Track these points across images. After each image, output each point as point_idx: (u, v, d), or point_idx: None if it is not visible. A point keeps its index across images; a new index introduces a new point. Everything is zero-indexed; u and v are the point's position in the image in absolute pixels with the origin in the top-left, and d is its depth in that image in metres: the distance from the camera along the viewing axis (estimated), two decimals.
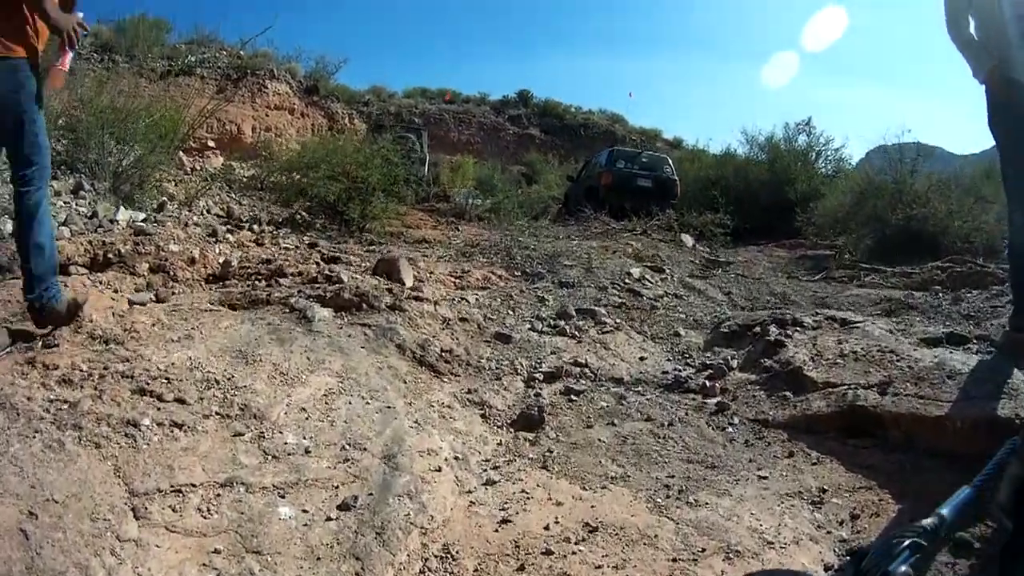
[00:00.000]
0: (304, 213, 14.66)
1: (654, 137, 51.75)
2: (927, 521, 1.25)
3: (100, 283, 6.89)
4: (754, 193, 21.77)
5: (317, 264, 9.02)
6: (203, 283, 8.00)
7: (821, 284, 11.35)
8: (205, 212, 13.50)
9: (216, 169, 19.38)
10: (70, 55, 5.27)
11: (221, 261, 8.49)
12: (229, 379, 4.67)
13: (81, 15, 5.32)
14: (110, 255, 7.51)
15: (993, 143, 5.58)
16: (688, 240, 14.43)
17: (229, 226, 11.98)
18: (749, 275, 11.89)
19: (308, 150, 16.30)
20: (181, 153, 17.51)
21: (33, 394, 4.07)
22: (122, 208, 9.56)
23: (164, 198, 12.55)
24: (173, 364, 4.67)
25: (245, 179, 18.55)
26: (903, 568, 1.12)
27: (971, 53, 5.48)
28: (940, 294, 8.99)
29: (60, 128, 12.00)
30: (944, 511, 1.30)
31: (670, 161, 22.04)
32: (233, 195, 16.41)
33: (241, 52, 26.99)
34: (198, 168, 18.61)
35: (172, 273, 7.76)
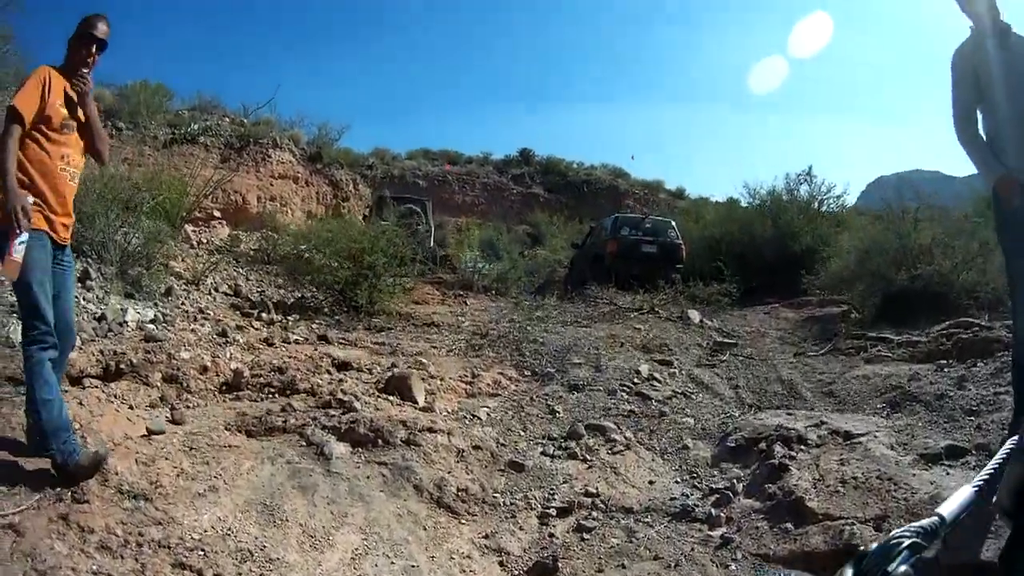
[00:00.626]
0: (313, 291, 15.03)
1: (656, 189, 52.92)
2: (926, 522, 1.32)
3: (114, 397, 7.02)
4: (758, 248, 21.64)
5: (329, 373, 9.16)
6: (216, 393, 8.16)
7: (829, 360, 11.30)
8: (213, 291, 13.74)
9: (222, 240, 19.70)
10: (19, 241, 4.93)
11: (233, 368, 8.63)
12: (262, 549, 4.88)
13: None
14: (122, 365, 7.66)
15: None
16: (695, 315, 14.43)
17: (238, 314, 12.39)
18: (757, 355, 11.89)
19: (313, 233, 16.47)
20: (187, 225, 17.63)
21: (76, 563, 4.27)
22: (131, 309, 9.66)
23: (171, 279, 12.67)
24: (206, 532, 4.89)
25: (252, 252, 18.70)
26: (903, 568, 1.18)
27: (979, 156, 5.38)
28: (946, 369, 8.86)
29: None
30: (944, 511, 1.37)
31: (674, 225, 22.05)
32: (240, 270, 16.66)
33: (244, 120, 27.41)
34: (204, 240, 18.77)
35: (185, 384, 7.92)
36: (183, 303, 11.70)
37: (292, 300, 14.56)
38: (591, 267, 21.40)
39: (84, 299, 9.46)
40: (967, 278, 13.20)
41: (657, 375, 10.16)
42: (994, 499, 1.52)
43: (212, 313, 11.68)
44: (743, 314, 16.38)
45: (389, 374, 9.19)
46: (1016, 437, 1.56)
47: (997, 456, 1.59)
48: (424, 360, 10.22)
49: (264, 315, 12.67)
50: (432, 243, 25.93)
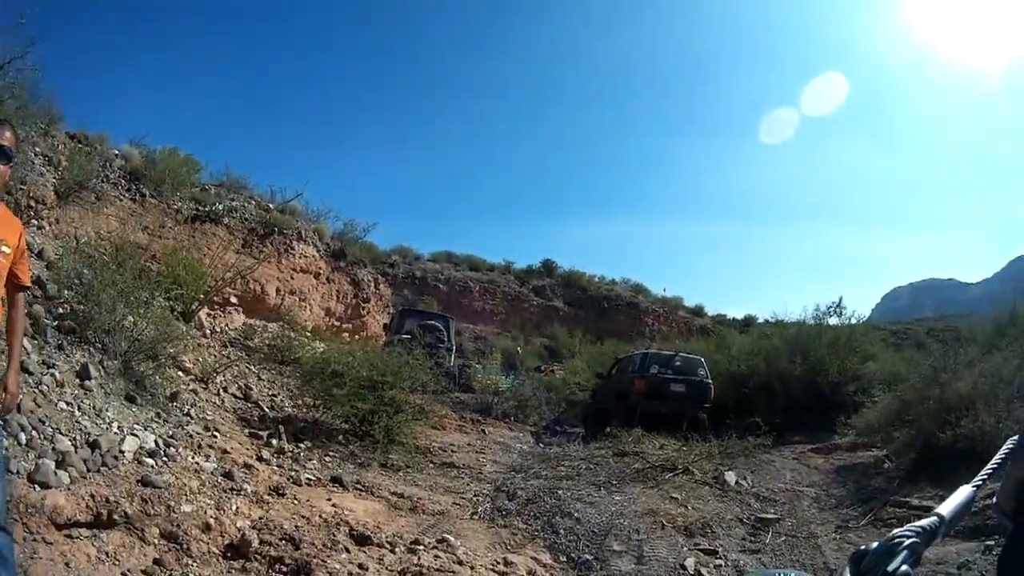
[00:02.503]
0: (327, 409, 14.09)
1: (675, 307, 52.99)
2: (926, 522, 1.34)
3: (106, 555, 6.34)
4: (786, 384, 20.83)
5: (347, 551, 8.03)
6: (220, 558, 7.25)
7: (871, 533, 10.58)
8: (222, 391, 13.24)
9: (236, 330, 18.98)
10: None
11: (239, 527, 7.77)
12: None
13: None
14: (115, 516, 6.80)
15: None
16: (731, 478, 13.35)
17: (247, 435, 11.72)
18: (798, 530, 10.91)
19: (333, 357, 15.11)
20: (202, 313, 16.94)
21: None
22: (128, 438, 8.58)
23: (180, 376, 12.19)
24: None
25: (266, 348, 17.94)
26: (903, 568, 1.21)
27: None
28: (995, 551, 8.23)
29: (70, 280, 11.21)
30: (943, 511, 1.39)
31: (704, 363, 20.99)
32: (252, 367, 16.08)
33: (270, 205, 26.42)
34: (218, 329, 17.96)
35: (186, 545, 7.06)
36: (188, 413, 10.92)
37: (303, 421, 13.96)
38: (616, 403, 20.50)
39: (80, 407, 8.51)
40: (1011, 433, 12.03)
41: (703, 570, 9.16)
42: (994, 500, 1.64)
43: (219, 436, 10.79)
44: (772, 460, 15.61)
45: (413, 558, 8.10)
46: (1015, 438, 1.64)
47: (997, 456, 1.62)
48: (450, 536, 9.09)
49: (274, 441, 11.87)
50: (452, 362, 25.01)
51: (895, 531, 1.30)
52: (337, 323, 29.17)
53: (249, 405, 13.66)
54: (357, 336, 26.92)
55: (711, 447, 15.31)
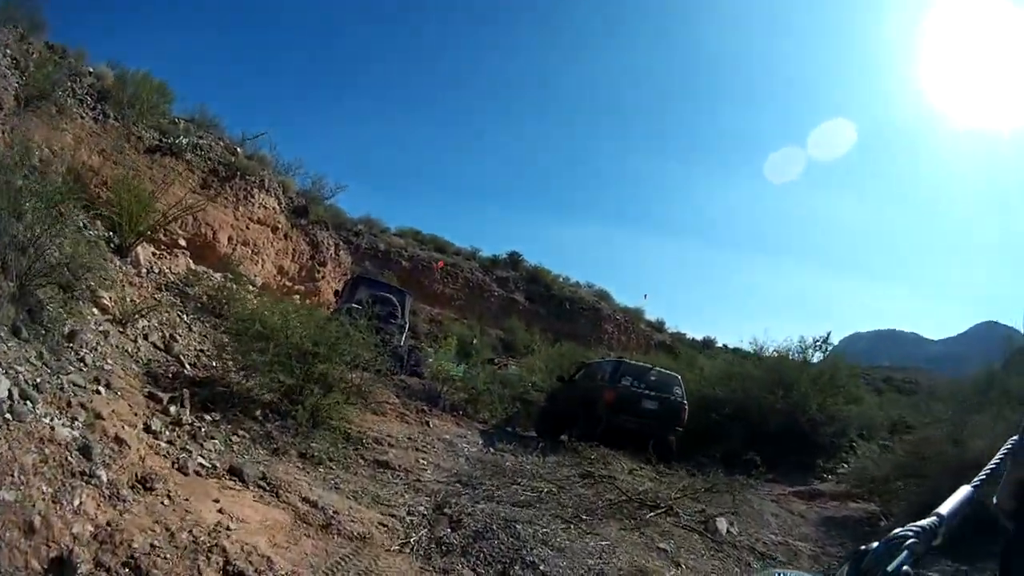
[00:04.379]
0: (253, 375, 11.90)
1: (637, 319, 50.96)
2: (926, 521, 1.33)
3: None
4: (764, 416, 18.80)
5: None
6: None
7: None
8: (140, 339, 11.71)
9: (178, 275, 16.82)
10: None
11: (74, 534, 5.49)
12: None
13: None
14: None
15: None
16: (722, 525, 10.76)
17: (144, 397, 9.60)
18: None
19: (269, 310, 12.99)
20: (141, 248, 15.47)
21: None
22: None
23: (93, 314, 10.75)
24: None
25: (205, 299, 15.95)
26: (903, 568, 1.21)
27: None
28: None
29: None
30: (943, 511, 1.39)
31: (680, 381, 18.46)
32: (185, 316, 14.43)
33: (238, 149, 24.20)
34: (156, 270, 15.83)
35: None
36: (83, 358, 9.11)
37: (222, 385, 11.81)
38: (580, 412, 17.89)
39: None
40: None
41: None
42: (994, 499, 1.60)
43: (103, 392, 8.60)
44: (750, 500, 13.24)
45: None
46: (1015, 438, 1.59)
47: (996, 456, 1.58)
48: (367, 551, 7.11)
49: (172, 408, 9.62)
50: (403, 342, 22.29)
51: (895, 531, 1.28)
52: (289, 283, 26.91)
53: (169, 358, 11.96)
54: (308, 300, 24.22)
55: (694, 482, 13.18)
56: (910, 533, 1.26)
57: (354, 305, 19.29)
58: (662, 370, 18.95)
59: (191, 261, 19.23)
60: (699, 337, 54.17)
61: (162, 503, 6.78)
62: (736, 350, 35.60)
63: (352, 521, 8.09)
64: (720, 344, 50.24)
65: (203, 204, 19.11)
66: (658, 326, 53.30)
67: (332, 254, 29.86)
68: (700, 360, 26.98)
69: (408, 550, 7.78)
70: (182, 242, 20.09)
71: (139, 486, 6.87)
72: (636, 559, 8.47)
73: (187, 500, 7.11)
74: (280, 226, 25.97)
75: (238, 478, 8.45)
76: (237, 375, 12.02)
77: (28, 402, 6.73)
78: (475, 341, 32.36)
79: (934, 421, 14.58)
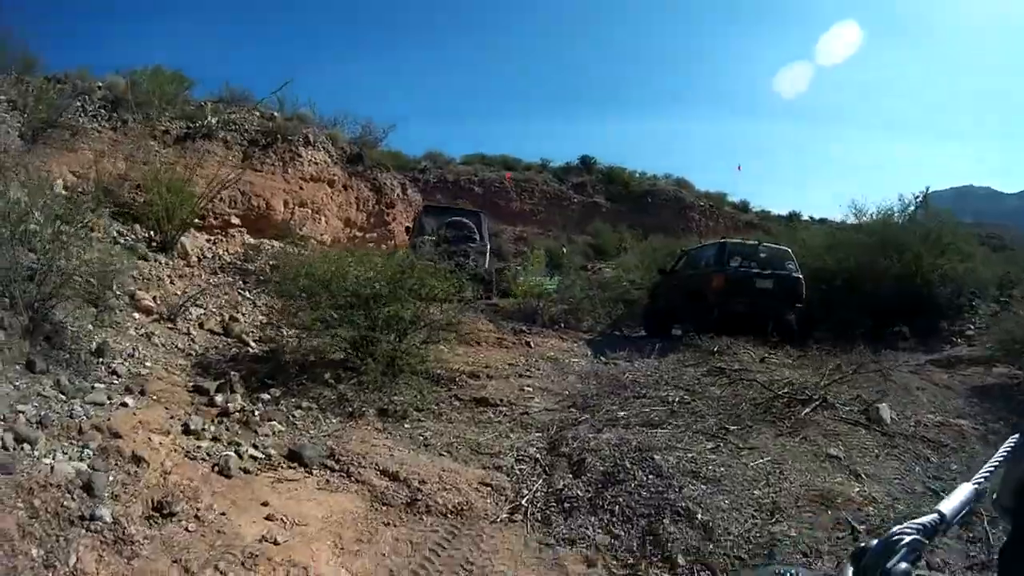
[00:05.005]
0: (311, 343, 10.51)
1: (720, 202, 49.13)
2: (926, 519, 1.26)
3: None
4: (878, 284, 17.48)
5: None
6: None
7: None
8: (195, 329, 10.85)
9: (234, 254, 15.87)
10: None
11: None
12: None
13: None
14: None
15: None
16: (886, 413, 8.99)
17: (187, 392, 8.51)
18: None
19: (321, 263, 11.60)
20: (186, 238, 14.38)
21: None
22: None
23: (128, 321, 9.79)
24: None
25: (267, 270, 14.65)
26: (903, 565, 1.16)
27: None
28: None
29: None
30: (943, 508, 1.32)
31: (792, 255, 16.64)
32: (248, 293, 13.41)
33: (275, 114, 22.35)
34: (211, 255, 14.93)
35: None
36: (113, 371, 8.18)
37: (286, 354, 10.46)
38: (687, 305, 16.23)
39: None
40: None
41: None
42: (994, 497, 1.49)
43: (132, 404, 7.52)
44: (890, 373, 11.76)
45: None
46: (1016, 436, 1.53)
47: (997, 454, 1.53)
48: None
49: (219, 398, 8.40)
50: (487, 265, 20.49)
51: (894, 528, 1.24)
52: (359, 233, 25.08)
53: (229, 341, 10.95)
54: (383, 245, 22.88)
55: (837, 363, 11.45)
56: (910, 530, 1.21)
57: (426, 237, 18.12)
58: (770, 245, 17.09)
59: (248, 237, 18.28)
60: (784, 213, 51.43)
61: (186, 529, 5.53)
62: (823, 220, 33.66)
63: (445, 489, 6.67)
64: (806, 217, 47.71)
65: (238, 174, 17.48)
66: (743, 207, 50.86)
67: (399, 195, 27.82)
68: (799, 233, 25.04)
69: (520, 516, 6.32)
70: (235, 220, 18.84)
71: (156, 514, 5.64)
72: (810, 478, 6.73)
73: (223, 515, 5.84)
74: (336, 179, 24.19)
75: (299, 463, 7.15)
76: (294, 340, 10.77)
77: (25, 445, 5.91)
78: (564, 250, 30.78)
79: None
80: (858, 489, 6.52)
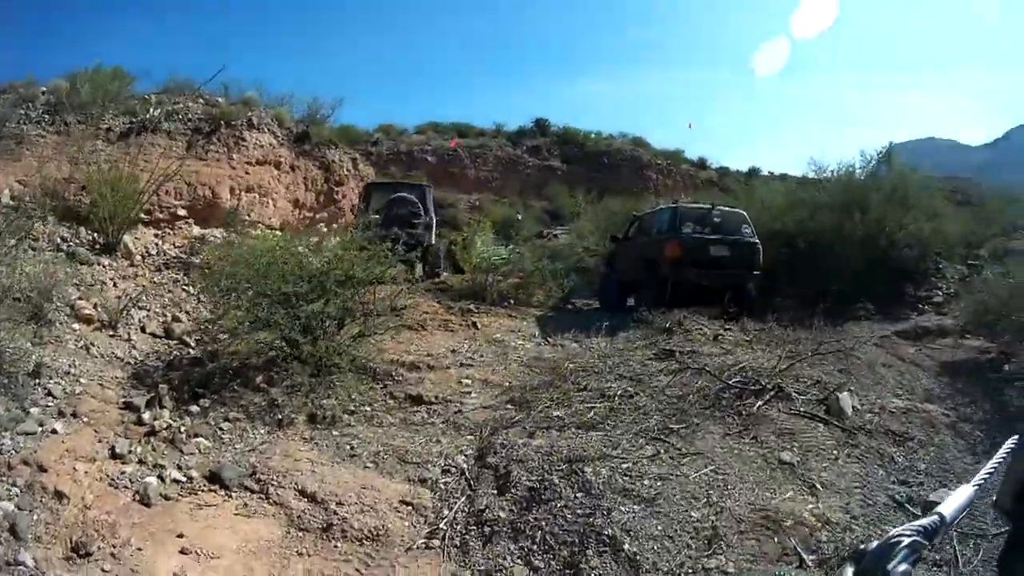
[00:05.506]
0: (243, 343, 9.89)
1: (678, 160, 48.20)
2: (926, 520, 1.26)
3: None
4: (843, 246, 16.42)
5: None
6: None
7: None
8: (135, 334, 10.35)
9: (181, 247, 15.67)
10: None
11: None
12: None
13: None
14: None
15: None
16: (847, 403, 8.25)
17: (119, 409, 8.04)
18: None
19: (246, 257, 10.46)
20: (128, 237, 13.92)
21: None
22: None
23: (68, 334, 9.34)
24: None
25: (210, 264, 13.30)
26: (902, 567, 1.15)
27: None
28: None
29: None
30: (943, 510, 1.31)
31: (748, 219, 15.67)
32: (192, 288, 12.80)
33: (219, 100, 21.65)
34: (155, 251, 14.76)
35: None
36: (49, 392, 7.82)
37: (223, 358, 9.82)
38: (640, 276, 15.53)
39: None
40: None
41: None
42: (994, 498, 1.52)
43: (62, 431, 7.18)
44: (853, 347, 11.03)
45: None
46: (1016, 437, 1.52)
47: (996, 456, 1.53)
48: None
49: (146, 416, 7.96)
50: (434, 239, 19.93)
51: (894, 530, 1.23)
52: (309, 214, 24.53)
53: (170, 344, 10.52)
54: (334, 224, 22.48)
55: (798, 340, 10.90)
56: (909, 532, 1.19)
57: (372, 217, 16.99)
58: (725, 208, 16.15)
59: (197, 228, 17.81)
60: (744, 168, 50.67)
61: (103, 570, 5.31)
62: (784, 176, 33.05)
63: (363, 511, 6.15)
64: (766, 173, 46.80)
65: (178, 165, 16.87)
66: (701, 164, 50.03)
67: (349, 171, 27.06)
68: (758, 191, 23.75)
69: (438, 542, 5.76)
70: (182, 212, 18.25)
71: (74, 555, 5.46)
72: (757, 492, 6.04)
73: (139, 550, 5.56)
74: (283, 160, 23.38)
75: (220, 485, 6.70)
76: (226, 342, 10.07)
77: None
78: (519, 217, 30.02)
79: None
80: (811, 506, 5.84)
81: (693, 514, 5.53)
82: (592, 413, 7.86)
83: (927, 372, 10.67)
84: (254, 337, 9.40)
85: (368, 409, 8.65)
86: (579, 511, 5.61)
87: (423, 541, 5.75)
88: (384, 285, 11.20)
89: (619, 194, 33.07)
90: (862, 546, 1.18)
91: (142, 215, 15.03)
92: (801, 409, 7.97)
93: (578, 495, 5.84)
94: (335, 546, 5.75)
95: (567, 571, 5.07)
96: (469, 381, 9.71)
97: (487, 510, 5.92)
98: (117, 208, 13.20)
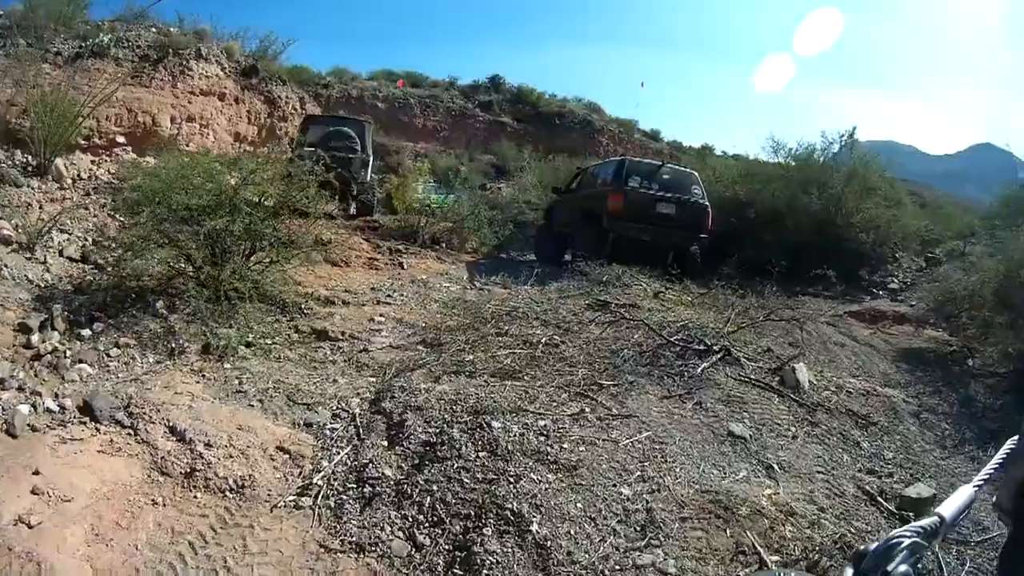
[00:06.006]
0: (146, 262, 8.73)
1: (630, 129, 46.45)
2: (926, 521, 1.22)
3: None
4: (797, 221, 15.84)
5: None
6: None
7: None
8: (52, 257, 9.32)
9: (113, 174, 14.58)
10: None
11: None
12: None
13: None
14: None
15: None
16: (803, 376, 7.19)
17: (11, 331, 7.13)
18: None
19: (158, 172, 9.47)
20: (61, 160, 13.05)
21: None
22: None
23: None
24: None
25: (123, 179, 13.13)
26: (902, 568, 1.11)
27: None
28: None
29: None
30: (943, 511, 1.27)
31: (699, 180, 14.73)
32: (118, 215, 11.64)
33: (171, 30, 20.76)
34: (87, 176, 13.88)
35: None
36: None
37: (125, 283, 8.61)
38: (580, 228, 14.48)
39: None
40: None
41: None
42: (994, 499, 1.46)
43: None
44: (807, 325, 9.90)
45: None
46: (1016, 438, 1.45)
47: (997, 456, 1.46)
48: None
49: (34, 338, 7.11)
50: (370, 176, 18.74)
51: (895, 531, 1.18)
52: (250, 148, 23.32)
53: (86, 268, 9.44)
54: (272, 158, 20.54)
55: (747, 306, 10.05)
56: (910, 533, 1.15)
57: (306, 150, 15.91)
58: (676, 167, 15.30)
59: (135, 155, 16.43)
60: (696, 144, 48.83)
61: None
62: (737, 156, 32.12)
63: (232, 456, 5.10)
64: (719, 152, 45.40)
65: (115, 87, 15.77)
66: (654, 135, 48.45)
67: (295, 108, 26.10)
68: (710, 161, 23.42)
69: (308, 500, 4.62)
70: (121, 139, 17.27)
71: None
72: (704, 469, 4.94)
73: None
74: (228, 91, 22.31)
75: (91, 417, 5.61)
76: (128, 263, 8.90)
77: None
78: (462, 168, 28.72)
79: None
80: (770, 491, 4.79)
81: (623, 491, 4.38)
82: (510, 360, 6.82)
83: (883, 356, 9.93)
84: (153, 255, 8.29)
85: (268, 342, 7.58)
86: (480, 475, 4.47)
87: (293, 498, 4.64)
88: (310, 219, 10.09)
89: (570, 155, 32.22)
90: (862, 547, 1.11)
91: (80, 140, 14.35)
92: (752, 377, 6.91)
93: (481, 455, 4.71)
94: (195, 496, 4.67)
95: (457, 554, 3.92)
96: (382, 319, 8.73)
97: (371, 465, 4.77)
98: (52, 131, 12.48)
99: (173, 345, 7.21)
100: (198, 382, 6.45)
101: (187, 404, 5.85)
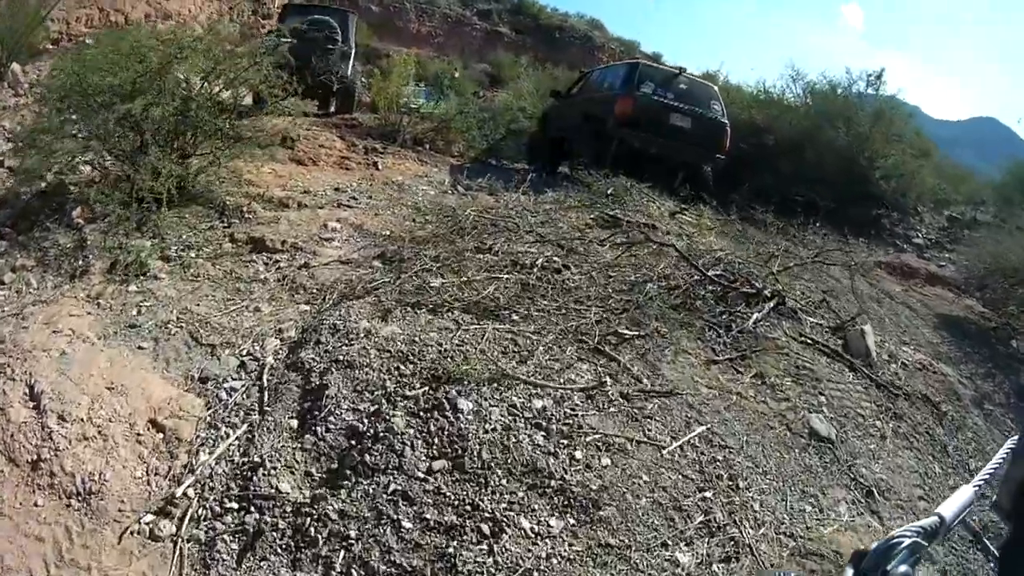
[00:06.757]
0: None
1: (632, 49, 43.62)
2: (926, 521, 1.17)
3: None
4: (820, 154, 14.13)
5: None
6: None
7: None
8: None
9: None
10: None
11: None
12: None
13: None
14: None
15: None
16: (871, 340, 5.47)
17: None
18: None
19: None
20: (18, 65, 12.40)
21: None
22: None
23: None
24: None
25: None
26: (902, 568, 1.07)
27: None
28: None
29: None
30: (943, 512, 1.21)
31: (718, 95, 12.67)
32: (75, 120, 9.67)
33: None
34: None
35: None
36: None
37: (49, 187, 7.41)
38: (581, 134, 12.25)
39: None
40: None
41: None
42: (993, 499, 1.42)
43: None
44: (855, 271, 8.35)
45: None
46: (1015, 438, 1.44)
47: (996, 457, 1.43)
48: None
49: None
50: (351, 71, 16.77)
51: (895, 531, 1.12)
52: (231, 45, 20.88)
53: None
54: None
55: (775, 242, 8.54)
56: (910, 533, 1.10)
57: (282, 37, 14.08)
58: (695, 78, 13.23)
59: None
60: (699, 72, 47.09)
61: None
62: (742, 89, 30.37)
63: (86, 437, 3.60)
64: (729, 82, 43.56)
65: None
66: (656, 59, 46.13)
67: (281, 4, 23.23)
68: (723, 83, 20.88)
69: (171, 526, 3.10)
70: (90, 40, 14.40)
71: None
72: (791, 503, 3.27)
73: None
74: None
75: None
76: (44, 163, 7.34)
77: None
78: (456, 74, 26.82)
79: None
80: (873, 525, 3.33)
81: (680, 557, 2.63)
82: (494, 288, 5.01)
83: (925, 322, 8.63)
84: (63, 150, 6.71)
85: (192, 254, 5.91)
86: (432, 516, 2.73)
87: (151, 518, 3.08)
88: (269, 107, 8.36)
89: (568, 69, 30.66)
90: (862, 548, 1.04)
91: (48, 45, 13.61)
92: (812, 337, 5.16)
93: (437, 468, 2.96)
94: (35, 503, 3.33)
95: None
96: (338, 225, 6.86)
97: (264, 469, 3.08)
98: (11, 34, 12.12)
99: (79, 264, 5.88)
100: (89, 313, 5.07)
101: (63, 348, 4.41)
